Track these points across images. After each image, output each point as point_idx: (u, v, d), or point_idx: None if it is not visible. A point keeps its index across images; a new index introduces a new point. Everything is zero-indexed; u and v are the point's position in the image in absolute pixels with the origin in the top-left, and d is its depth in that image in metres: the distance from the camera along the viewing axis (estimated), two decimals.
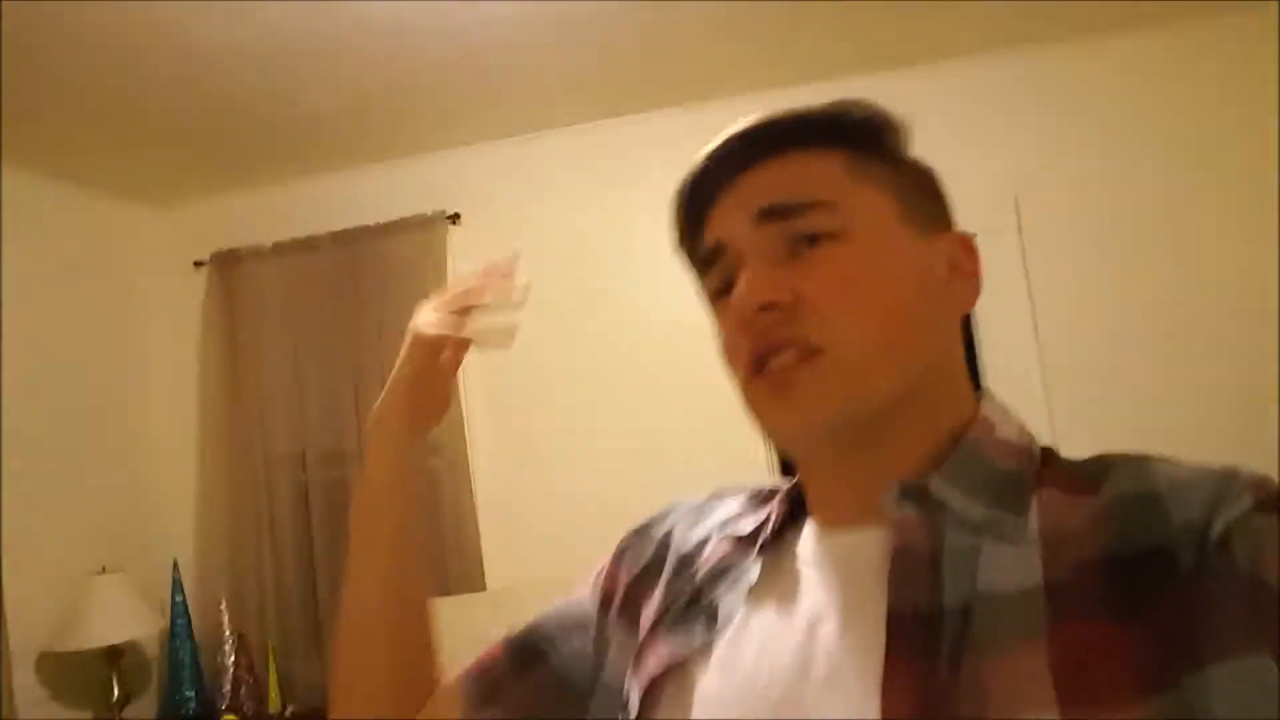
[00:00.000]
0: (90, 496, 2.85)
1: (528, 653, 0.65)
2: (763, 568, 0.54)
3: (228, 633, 2.90)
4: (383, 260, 2.99)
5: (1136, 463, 0.47)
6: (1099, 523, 0.45)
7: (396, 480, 0.67)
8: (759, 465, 2.54)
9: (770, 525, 0.57)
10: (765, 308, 0.49)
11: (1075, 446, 0.55)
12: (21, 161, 2.66)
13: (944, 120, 2.67)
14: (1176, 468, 0.46)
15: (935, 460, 0.50)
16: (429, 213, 2.99)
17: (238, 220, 3.19)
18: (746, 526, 0.59)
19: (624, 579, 0.64)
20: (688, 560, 0.60)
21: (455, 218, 3.00)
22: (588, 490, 2.85)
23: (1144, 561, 0.42)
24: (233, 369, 3.11)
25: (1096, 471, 0.48)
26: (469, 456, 2.91)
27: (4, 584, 2.42)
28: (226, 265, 3.15)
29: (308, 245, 3.06)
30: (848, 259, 0.50)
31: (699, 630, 0.54)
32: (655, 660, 0.55)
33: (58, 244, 2.89)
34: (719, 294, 0.55)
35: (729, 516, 0.61)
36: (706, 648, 0.53)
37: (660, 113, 2.92)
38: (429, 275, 2.94)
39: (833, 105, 0.55)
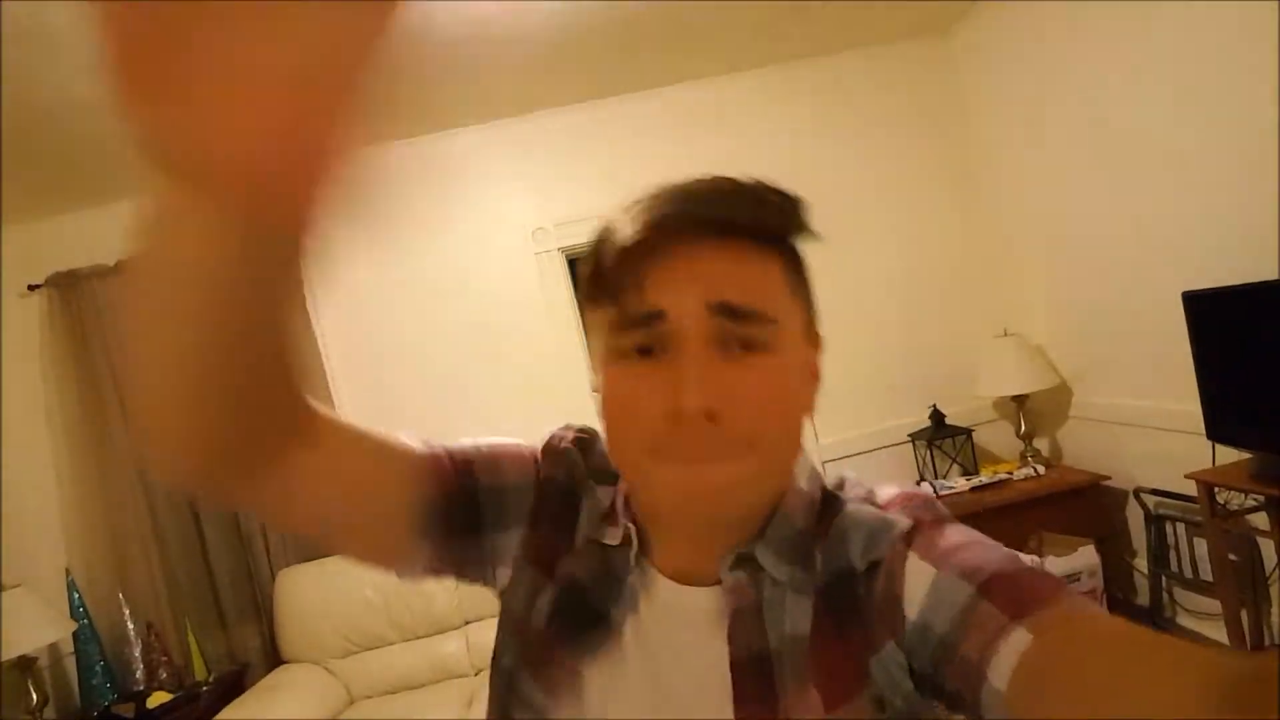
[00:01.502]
0: None
1: (470, 515, 0.63)
2: (624, 604, 0.60)
3: (130, 625, 3.16)
4: None
5: (844, 514, 0.60)
6: (836, 566, 0.58)
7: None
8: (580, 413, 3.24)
9: (631, 557, 0.61)
10: (709, 415, 0.51)
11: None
12: None
13: (698, 125, 3.49)
14: (861, 515, 0.58)
15: (763, 527, 0.58)
16: None
17: (70, 242, 3.29)
18: (610, 536, 0.62)
19: (545, 504, 0.66)
20: (571, 528, 0.64)
21: None
22: (435, 426, 3.41)
23: (843, 588, 0.57)
24: (89, 385, 3.25)
25: (832, 513, 0.60)
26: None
27: None
28: (66, 285, 3.25)
29: None
30: (775, 373, 0.55)
31: (589, 644, 0.59)
32: (557, 670, 0.60)
33: None
34: (637, 351, 0.55)
35: (601, 508, 0.65)
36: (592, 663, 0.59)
37: (477, 127, 3.45)
38: None
39: (780, 198, 0.56)
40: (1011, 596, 0.49)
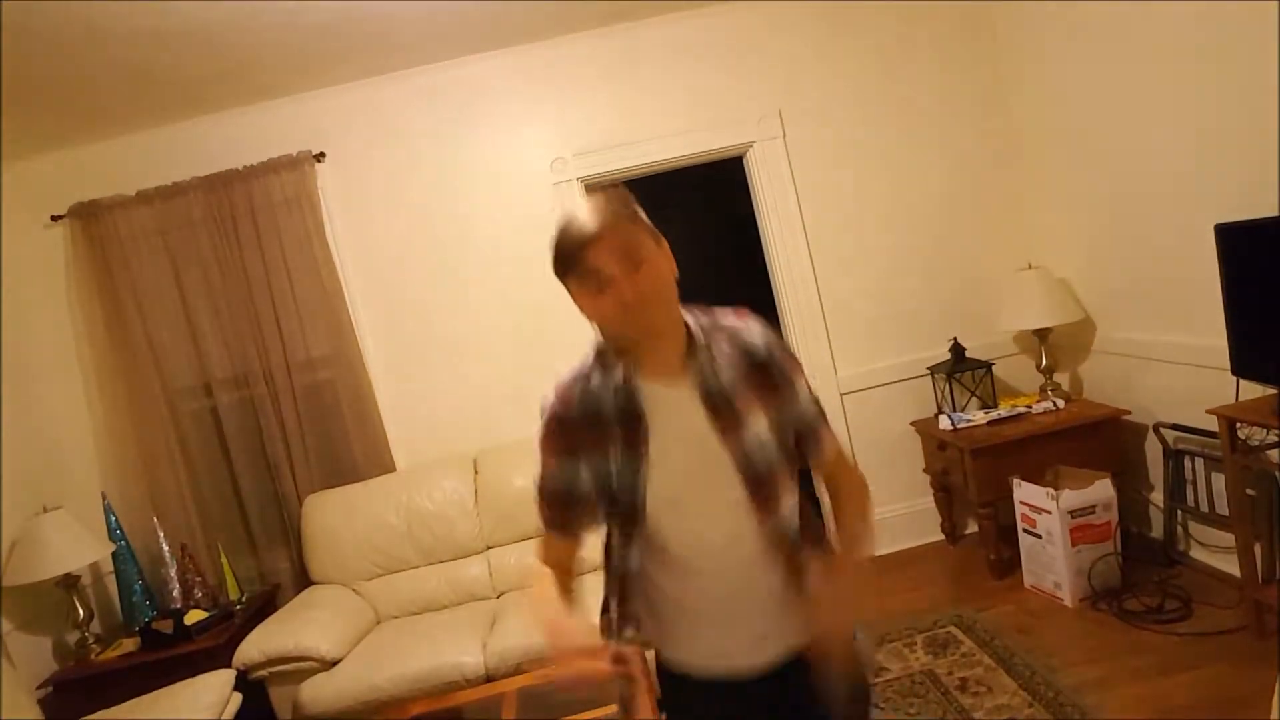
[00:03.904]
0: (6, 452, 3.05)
1: (563, 502, 1.22)
2: (642, 404, 1.17)
3: (165, 548, 3.27)
4: (258, 199, 3.26)
5: (740, 320, 1.24)
6: (739, 348, 1.20)
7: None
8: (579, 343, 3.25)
9: (629, 379, 1.18)
10: (638, 298, 1.08)
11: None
12: None
13: (718, 53, 3.40)
14: (742, 324, 1.24)
15: (684, 344, 1.18)
16: (295, 153, 3.28)
17: (90, 172, 3.30)
18: (616, 381, 1.18)
19: (567, 437, 1.19)
20: (600, 413, 1.18)
21: (320, 156, 3.32)
22: (461, 379, 3.46)
23: (749, 358, 1.21)
24: (115, 313, 3.30)
25: (718, 323, 1.22)
26: (365, 364, 3.39)
27: None
28: (88, 216, 3.27)
29: (176, 190, 3.26)
30: (655, 276, 1.11)
31: (640, 428, 1.17)
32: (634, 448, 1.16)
33: None
34: (597, 290, 1.09)
35: (602, 382, 1.19)
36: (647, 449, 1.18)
37: (493, 54, 3.37)
38: (305, 210, 3.28)
39: (628, 201, 1.14)
40: (822, 422, 1.28)
